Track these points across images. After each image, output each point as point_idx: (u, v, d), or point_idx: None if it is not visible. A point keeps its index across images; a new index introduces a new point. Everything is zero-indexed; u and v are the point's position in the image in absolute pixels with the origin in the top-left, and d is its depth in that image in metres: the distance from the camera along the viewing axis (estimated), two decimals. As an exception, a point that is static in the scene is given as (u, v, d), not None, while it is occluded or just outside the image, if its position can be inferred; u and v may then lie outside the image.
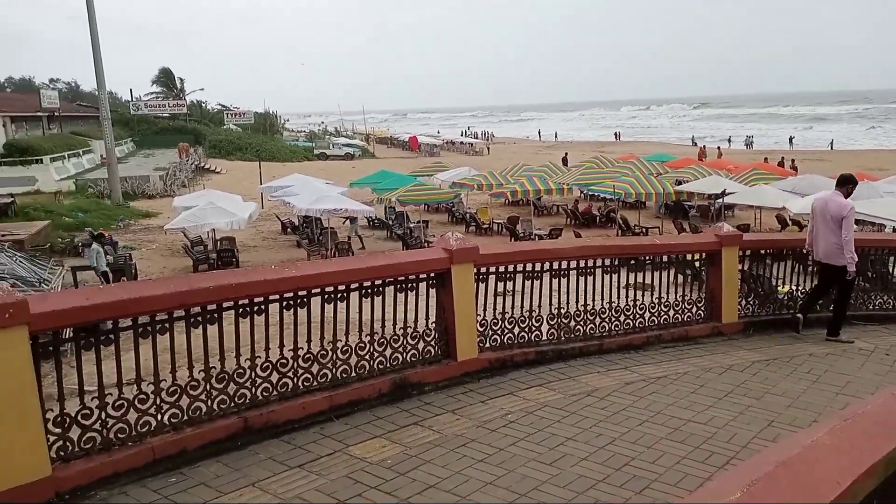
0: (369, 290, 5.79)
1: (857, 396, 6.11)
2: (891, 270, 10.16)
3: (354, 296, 5.73)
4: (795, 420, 5.50)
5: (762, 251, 9.00)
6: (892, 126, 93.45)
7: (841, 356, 7.47)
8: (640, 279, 7.91)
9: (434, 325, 6.30)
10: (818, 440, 2.25)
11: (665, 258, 8.29)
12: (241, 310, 5.12)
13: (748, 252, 8.77)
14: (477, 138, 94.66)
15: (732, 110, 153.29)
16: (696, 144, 73.03)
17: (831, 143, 71.64)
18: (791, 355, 7.39)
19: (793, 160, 46.63)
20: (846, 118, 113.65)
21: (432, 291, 6.33)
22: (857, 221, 22.66)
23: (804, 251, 8.97)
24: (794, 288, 9.23)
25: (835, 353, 7.56)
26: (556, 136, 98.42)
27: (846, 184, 8.59)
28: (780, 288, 9.34)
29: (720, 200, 27.55)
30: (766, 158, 46.72)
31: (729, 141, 75.37)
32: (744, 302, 8.53)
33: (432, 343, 6.24)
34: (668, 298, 7.98)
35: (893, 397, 2.81)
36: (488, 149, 77.39)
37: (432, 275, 6.25)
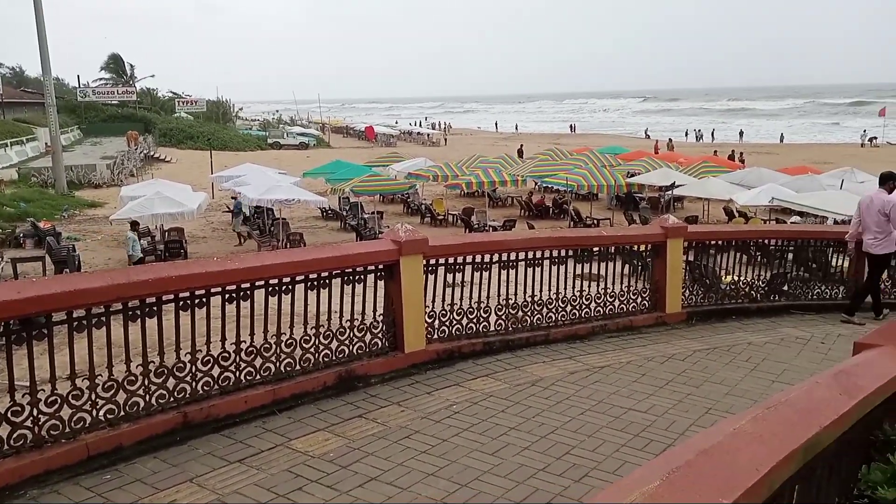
0: (315, 283, 5.74)
1: (791, 384, 6.29)
2: (831, 262, 10.49)
3: (300, 288, 5.67)
4: (732, 407, 5.65)
5: (707, 242, 9.20)
6: (841, 120, 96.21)
7: (779, 345, 7.69)
8: (590, 270, 8.02)
9: (382, 316, 6.28)
10: (740, 428, 2.30)
11: (613, 249, 8.41)
12: (181, 303, 5.02)
13: (693, 243, 8.94)
14: (434, 129, 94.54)
15: (680, 104, 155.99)
16: (649, 137, 74.22)
17: (781, 136, 73.53)
18: (731, 344, 7.57)
19: (741, 153, 47.73)
20: (796, 113, 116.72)
21: (381, 283, 6.31)
22: (801, 213, 23.37)
23: (847, 242, 9.68)
24: (737, 278, 9.46)
25: (773, 342, 7.77)
26: (516, 128, 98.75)
27: (888, 180, 9.16)
28: (724, 278, 9.57)
29: (669, 192, 28.08)
30: (715, 151, 47.69)
31: (686, 134, 76.73)
32: (687, 292, 8.71)
33: (379, 335, 6.21)
34: (613, 289, 8.10)
35: (816, 385, 2.90)
36: (445, 140, 77.34)
37: (380, 266, 6.22)
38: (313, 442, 4.88)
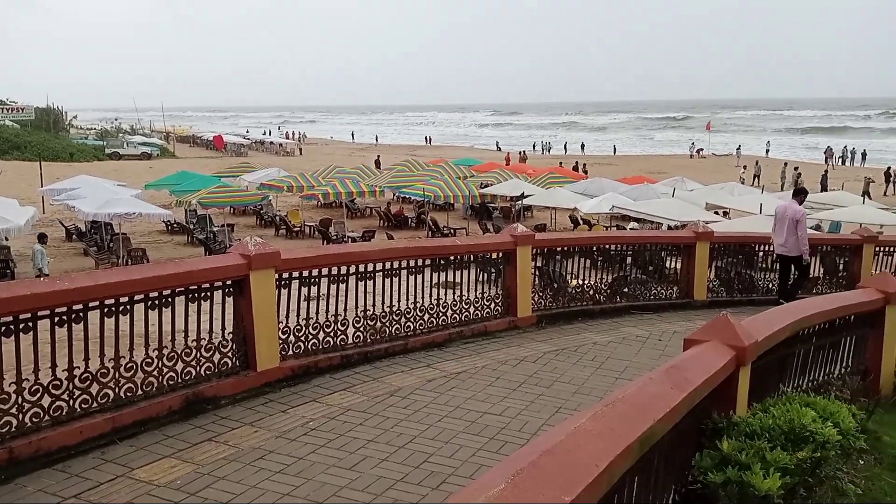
0: (157, 302, 5.41)
1: (632, 380, 6.70)
2: (666, 264, 11.30)
3: (140, 308, 5.33)
4: (580, 405, 5.92)
5: (554, 249, 9.62)
6: (670, 134, 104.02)
7: (621, 343, 8.18)
8: (448, 278, 8.14)
9: (231, 335, 6.02)
10: (581, 426, 2.41)
11: (471, 257, 8.59)
12: (4, 328, 4.56)
13: (541, 250, 9.32)
14: (288, 138, 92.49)
15: (522, 118, 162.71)
16: (500, 149, 76.71)
17: (614, 148, 78.34)
18: (578, 345, 7.96)
19: (584, 164, 50.48)
20: (630, 127, 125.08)
21: (230, 300, 6.05)
22: (638, 220, 25.05)
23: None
24: (582, 282, 9.96)
25: (616, 341, 8.26)
26: (377, 140, 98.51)
27: (800, 194, 11.09)
28: (571, 282, 10.05)
29: (520, 202, 29.18)
30: (560, 163, 50.04)
31: (534, 147, 79.83)
32: (537, 297, 9.06)
33: (229, 354, 5.96)
34: (468, 296, 8.28)
35: (649, 381, 3.11)
36: (301, 150, 75.86)
37: (229, 282, 5.97)
38: (158, 470, 4.59)
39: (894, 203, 34.57)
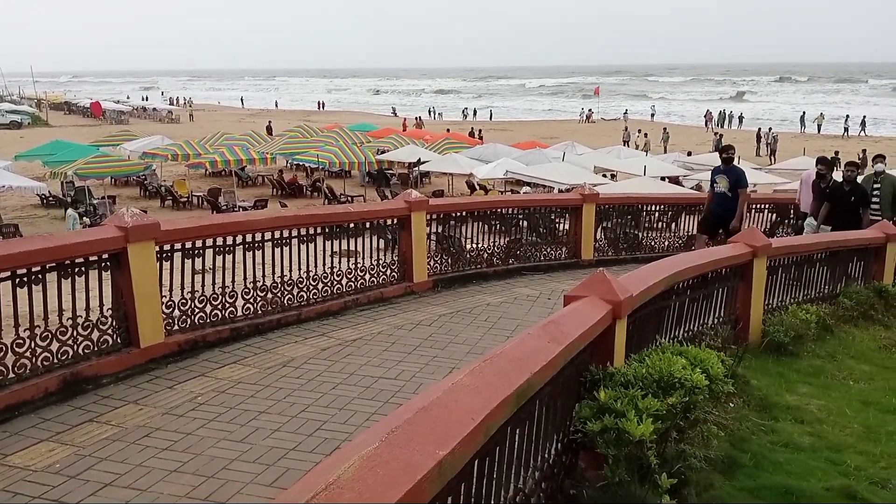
0: (24, 279, 5.08)
1: (523, 338, 6.94)
2: (557, 226, 11.63)
3: (7, 285, 4.99)
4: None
5: (449, 214, 9.71)
6: (567, 99, 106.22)
7: (513, 303, 8.40)
8: (347, 246, 8.08)
9: (111, 311, 5.76)
10: (458, 382, 2.47)
11: (365, 224, 8.52)
12: None
13: (437, 215, 9.39)
14: (174, 104, 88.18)
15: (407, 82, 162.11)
16: (396, 115, 76.17)
17: (490, 114, 78.01)
18: (472, 307, 8.12)
19: (479, 130, 50.95)
20: (532, 92, 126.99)
21: (107, 274, 5.77)
22: (531, 184, 25.62)
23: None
24: (477, 245, 10.12)
25: (508, 301, 8.48)
26: (276, 105, 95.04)
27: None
28: (467, 246, 10.19)
29: (417, 169, 29.20)
30: (448, 129, 49.69)
31: (430, 112, 79.63)
32: (433, 262, 9.14)
33: (109, 331, 5.70)
34: (364, 263, 8.25)
35: (528, 336, 3.22)
36: (191, 115, 72.50)
37: (105, 256, 5.68)
38: (35, 455, 4.37)
39: (766, 163, 37.00)
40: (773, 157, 39.94)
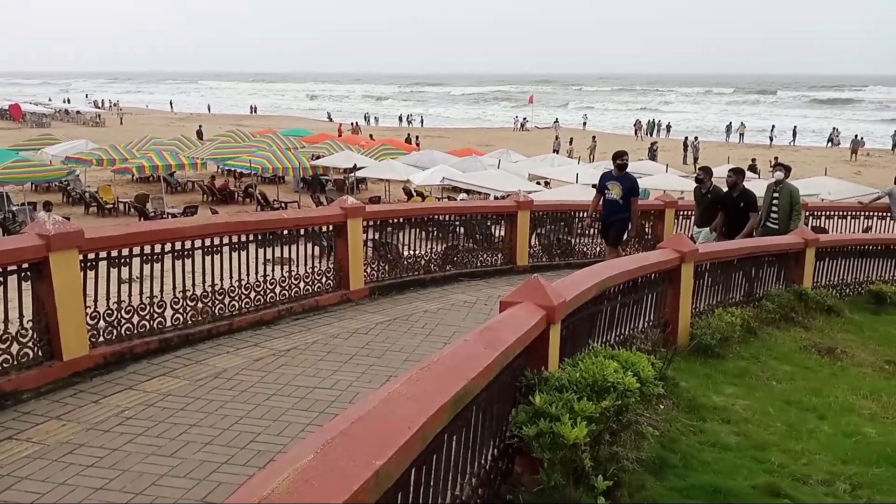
0: (-65, 290, 4.81)
1: (460, 344, 6.96)
2: (493, 232, 11.73)
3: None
4: (410, 373, 6.05)
5: (386, 220, 9.67)
6: (501, 108, 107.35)
7: (450, 310, 8.43)
8: (281, 254, 7.94)
9: (32, 323, 5.50)
10: (395, 391, 2.46)
11: (300, 231, 8.39)
12: None
13: (373, 222, 9.34)
14: (100, 107, 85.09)
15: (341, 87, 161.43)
16: (331, 120, 75.49)
17: (421, 119, 77.96)
18: (409, 314, 8.11)
19: (416, 137, 51.03)
20: (464, 100, 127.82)
21: (28, 284, 5.51)
22: (468, 191, 25.81)
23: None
24: (415, 252, 10.11)
25: (445, 308, 8.50)
26: (209, 109, 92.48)
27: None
28: (404, 252, 10.16)
29: (353, 174, 29.02)
30: (370, 135, 49.37)
31: (366, 119, 79.06)
32: (369, 269, 9.09)
33: (30, 344, 5.45)
34: (298, 271, 8.13)
35: (464, 343, 3.23)
36: (121, 119, 70.07)
37: (25, 266, 5.43)
38: (-54, 477, 4.13)
39: (692, 171, 38.26)
40: (696, 165, 41.40)
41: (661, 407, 5.83)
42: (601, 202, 10.59)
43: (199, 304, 6.95)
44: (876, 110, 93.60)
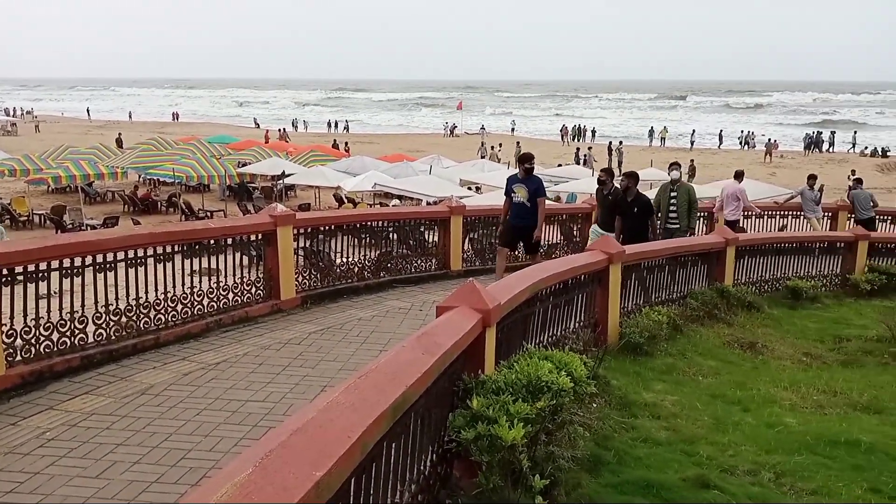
0: None
1: (395, 351, 6.93)
2: (427, 238, 11.73)
3: None
4: (345, 381, 5.99)
5: (317, 228, 9.55)
6: (426, 113, 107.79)
7: (385, 317, 8.39)
8: (208, 264, 7.73)
9: (-61, 343, 5.19)
10: (334, 400, 2.43)
11: (230, 241, 8.18)
12: None
13: (304, 230, 9.21)
14: (11, 115, 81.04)
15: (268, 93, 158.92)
16: (258, 126, 74.13)
17: (346, 126, 77.37)
18: (343, 322, 8.03)
19: (346, 143, 50.66)
20: (390, 105, 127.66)
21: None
22: (400, 197, 25.79)
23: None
24: (347, 259, 10.01)
25: (380, 315, 8.45)
26: (130, 116, 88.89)
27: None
28: (337, 260, 10.05)
29: (281, 182, 28.57)
30: (284, 137, 48.42)
31: (294, 125, 77.87)
32: (300, 277, 8.96)
33: (-62, 366, 5.13)
34: (227, 282, 7.94)
35: (402, 349, 3.22)
36: (37, 127, 66.82)
37: (-69, 283, 5.12)
38: None
39: (616, 174, 39.26)
40: (620, 169, 42.57)
41: (594, 405, 5.95)
42: (508, 205, 10.16)
43: (123, 319, 6.70)
44: (787, 114, 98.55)
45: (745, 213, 15.14)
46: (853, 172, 33.54)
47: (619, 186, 10.83)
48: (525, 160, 10.15)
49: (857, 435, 5.88)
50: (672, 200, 11.31)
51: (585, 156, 43.16)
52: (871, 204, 16.10)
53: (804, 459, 5.33)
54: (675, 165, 12.21)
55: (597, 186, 11.46)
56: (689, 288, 9.84)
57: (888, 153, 51.96)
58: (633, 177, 10.77)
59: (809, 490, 4.86)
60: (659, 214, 11.17)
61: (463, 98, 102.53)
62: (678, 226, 11.13)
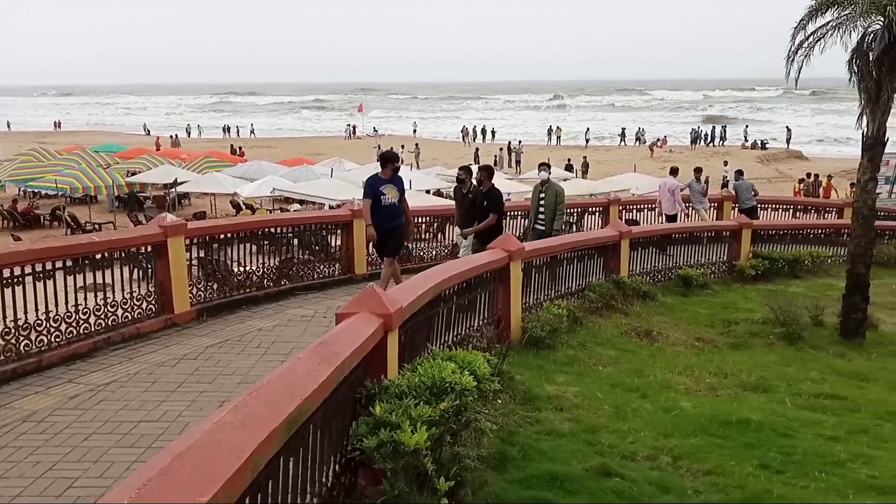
0: None
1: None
2: (330, 242, 11.52)
3: None
4: (246, 395, 5.78)
5: (212, 237, 9.20)
6: (322, 116, 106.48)
7: (286, 326, 8.18)
8: (94, 280, 7.29)
9: None
10: (221, 420, 2.32)
11: (118, 254, 7.74)
12: None
13: (198, 239, 8.85)
14: None
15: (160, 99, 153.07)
16: (149, 133, 71.07)
17: (251, 129, 75.66)
18: (242, 333, 7.77)
19: (241, 147, 49.28)
20: (281, 109, 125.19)
21: None
22: (301, 201, 25.31)
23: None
24: (246, 268, 9.70)
25: (281, 324, 8.24)
26: (8, 126, 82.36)
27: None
28: (236, 269, 9.71)
29: (174, 190, 27.48)
30: (177, 144, 46.85)
31: (188, 131, 74.98)
32: (195, 289, 8.61)
33: None
34: (115, 297, 7.52)
35: (297, 361, 3.12)
36: None
37: None
38: None
39: (515, 173, 40.13)
40: (518, 167, 43.44)
41: (499, 401, 6.00)
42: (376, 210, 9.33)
43: (1, 342, 6.23)
44: (672, 111, 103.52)
45: (689, 206, 16.30)
46: (725, 164, 35.95)
47: (475, 182, 10.54)
48: (392, 159, 9.75)
49: (748, 414, 6.21)
50: (541, 201, 11.23)
51: (496, 156, 43.83)
52: (753, 193, 17.09)
53: (699, 441, 5.57)
54: (544, 166, 12.04)
55: (455, 185, 11.06)
56: (587, 280, 10.12)
57: (767, 146, 55.60)
58: (487, 169, 10.50)
59: (705, 470, 5.07)
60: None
61: (360, 101, 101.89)
62: (544, 227, 10.98)
